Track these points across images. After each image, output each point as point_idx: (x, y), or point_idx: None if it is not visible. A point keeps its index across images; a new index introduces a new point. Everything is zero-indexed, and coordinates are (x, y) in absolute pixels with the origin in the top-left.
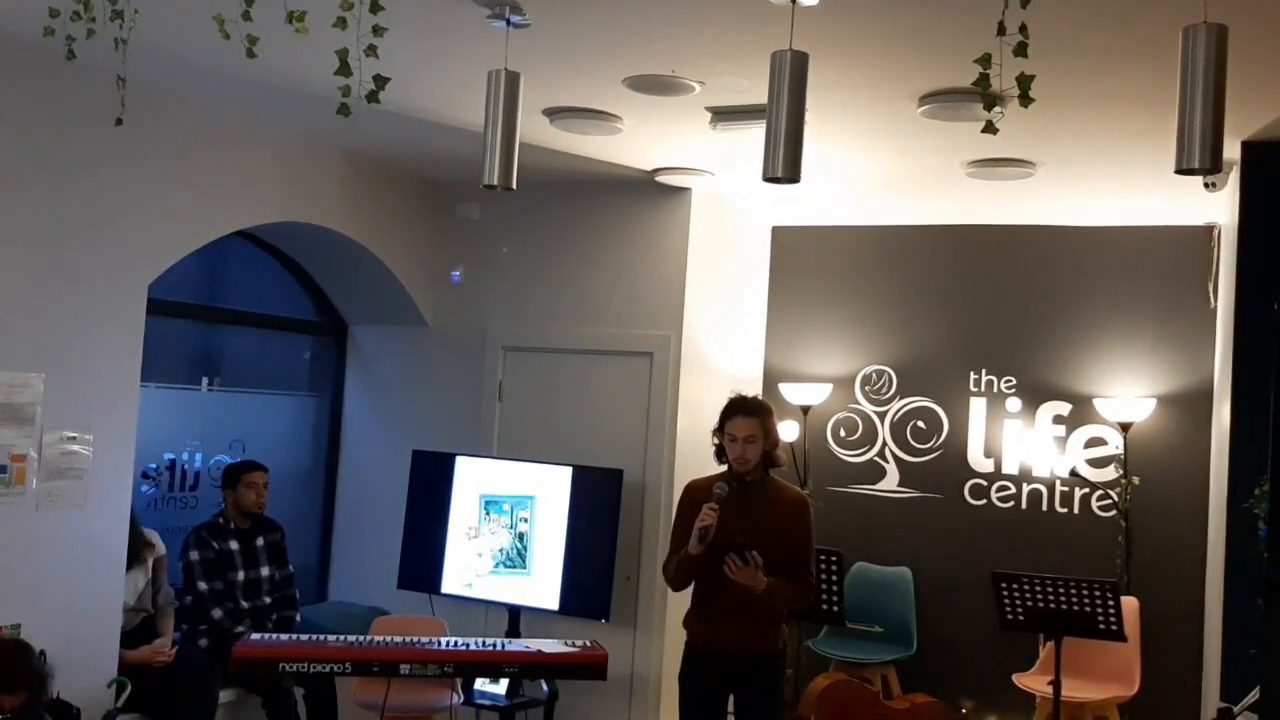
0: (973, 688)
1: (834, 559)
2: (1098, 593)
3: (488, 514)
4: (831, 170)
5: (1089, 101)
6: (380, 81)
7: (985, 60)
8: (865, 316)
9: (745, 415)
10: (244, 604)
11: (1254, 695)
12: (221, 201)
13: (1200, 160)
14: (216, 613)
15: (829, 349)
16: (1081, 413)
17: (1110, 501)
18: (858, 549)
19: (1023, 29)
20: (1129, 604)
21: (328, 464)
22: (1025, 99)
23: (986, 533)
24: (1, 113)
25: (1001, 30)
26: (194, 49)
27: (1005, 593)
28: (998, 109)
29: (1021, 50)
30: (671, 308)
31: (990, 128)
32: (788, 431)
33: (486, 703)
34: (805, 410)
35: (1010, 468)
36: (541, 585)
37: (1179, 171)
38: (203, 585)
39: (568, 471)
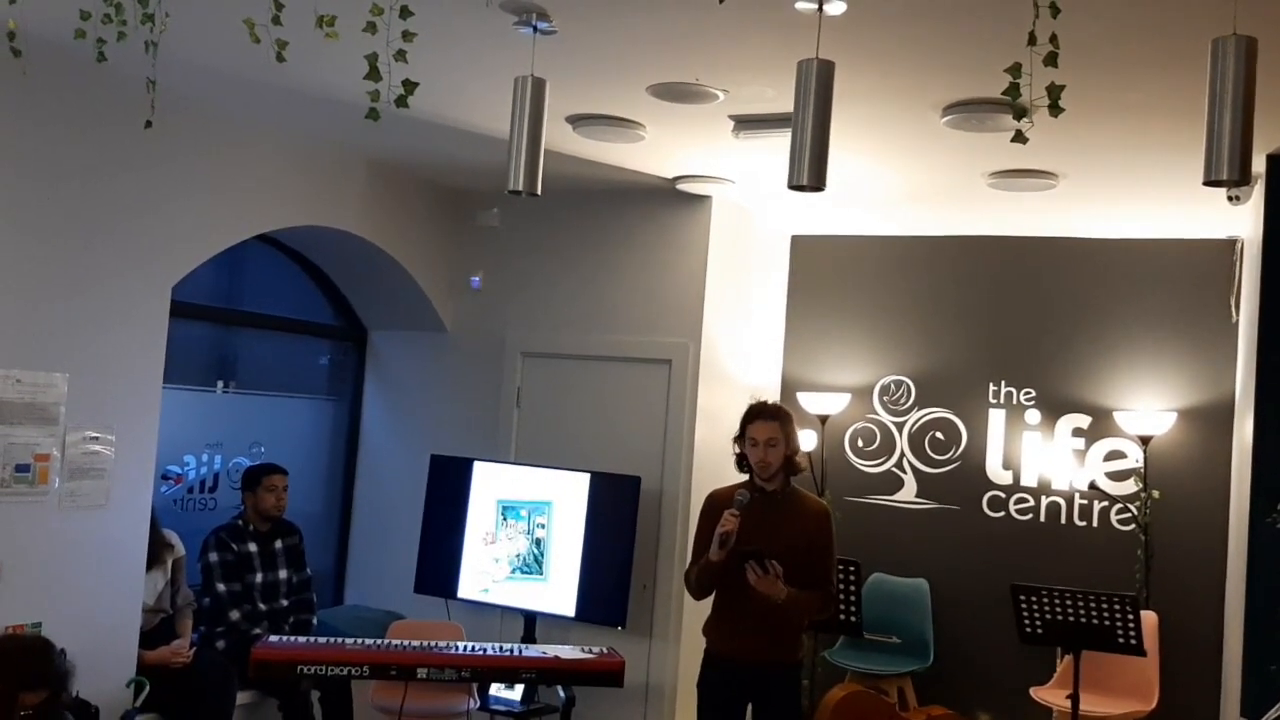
0: (990, 701)
1: (851, 569)
2: (1117, 606)
3: (505, 519)
4: (852, 180)
5: (1114, 113)
6: (409, 86)
7: (1015, 70)
8: (884, 326)
9: (766, 419)
10: (262, 606)
11: (1275, 711)
12: (245, 205)
13: (1229, 172)
14: (234, 614)
15: (847, 359)
16: (1101, 425)
17: (1130, 515)
18: (875, 560)
19: (1053, 39)
20: (1148, 618)
21: (346, 468)
22: (1055, 109)
23: (1004, 545)
24: (32, 115)
25: (1032, 40)
26: (223, 53)
27: (1024, 605)
28: (1026, 119)
29: (1052, 60)
30: (690, 315)
31: (1020, 137)
32: (805, 441)
33: (502, 708)
34: (823, 420)
35: (1029, 480)
36: (558, 591)
37: (1207, 183)
38: (221, 587)
39: (585, 478)
